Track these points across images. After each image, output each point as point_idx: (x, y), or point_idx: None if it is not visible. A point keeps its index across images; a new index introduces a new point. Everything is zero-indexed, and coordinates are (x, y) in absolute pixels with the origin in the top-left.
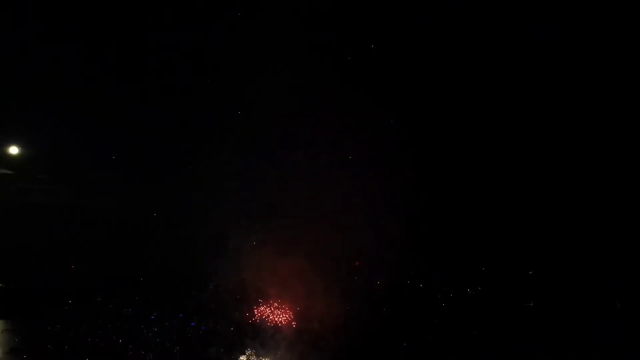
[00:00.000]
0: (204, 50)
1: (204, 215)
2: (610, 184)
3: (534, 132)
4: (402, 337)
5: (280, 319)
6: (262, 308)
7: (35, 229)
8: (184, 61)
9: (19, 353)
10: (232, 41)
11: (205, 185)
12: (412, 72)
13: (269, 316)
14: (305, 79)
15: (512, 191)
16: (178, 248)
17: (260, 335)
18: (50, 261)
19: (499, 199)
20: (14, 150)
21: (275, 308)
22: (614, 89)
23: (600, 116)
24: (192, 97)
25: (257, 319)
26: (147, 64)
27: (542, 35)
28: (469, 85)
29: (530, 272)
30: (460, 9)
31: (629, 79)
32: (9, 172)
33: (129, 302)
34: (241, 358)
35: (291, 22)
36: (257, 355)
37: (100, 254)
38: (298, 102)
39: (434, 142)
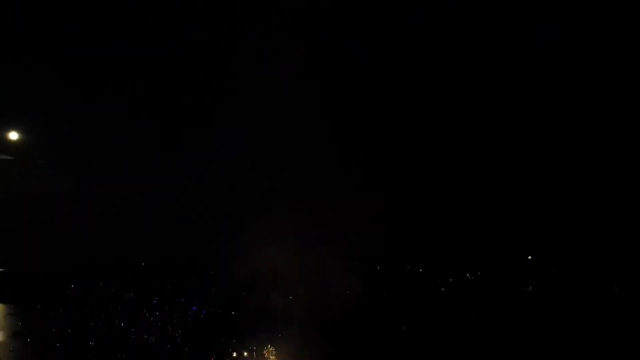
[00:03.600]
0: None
1: (207, 202)
2: (609, 181)
3: (533, 130)
4: (402, 321)
5: (285, 306)
6: (267, 294)
7: (36, 214)
8: (182, 53)
9: (22, 337)
10: (237, 39)
11: (208, 171)
12: (411, 72)
13: (274, 303)
14: (306, 78)
15: (512, 183)
16: (179, 234)
17: (264, 320)
18: (52, 246)
19: (499, 189)
20: (13, 136)
21: (280, 293)
22: (614, 89)
23: (600, 116)
24: (197, 87)
25: (262, 304)
26: (145, 54)
27: (542, 35)
28: (468, 85)
29: (530, 257)
30: (460, 9)
31: (629, 78)
32: (9, 157)
33: (130, 287)
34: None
35: (291, 22)
36: (263, 343)
37: (101, 239)
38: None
39: (437, 136)
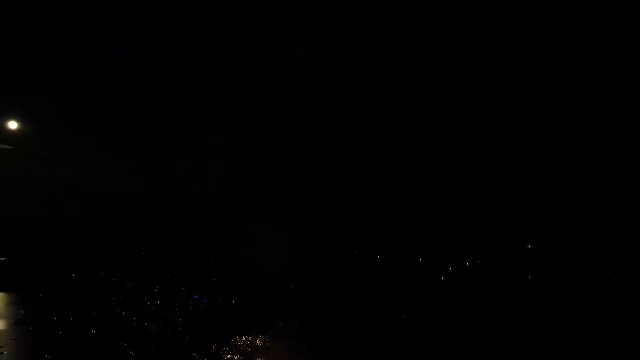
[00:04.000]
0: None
1: (206, 191)
2: (609, 180)
3: (533, 129)
4: (403, 310)
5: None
6: (268, 283)
7: (37, 204)
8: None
9: (24, 325)
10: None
11: (208, 166)
12: (411, 72)
13: (275, 292)
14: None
15: (511, 180)
16: (180, 223)
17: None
18: (53, 236)
19: (498, 186)
20: (13, 125)
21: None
22: (614, 89)
23: (600, 116)
24: (197, 87)
25: (263, 293)
26: (145, 54)
27: (542, 35)
28: (468, 86)
29: (529, 246)
30: (460, 9)
31: (629, 79)
32: (9, 147)
33: (131, 276)
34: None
35: (291, 22)
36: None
37: (102, 229)
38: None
39: (437, 135)
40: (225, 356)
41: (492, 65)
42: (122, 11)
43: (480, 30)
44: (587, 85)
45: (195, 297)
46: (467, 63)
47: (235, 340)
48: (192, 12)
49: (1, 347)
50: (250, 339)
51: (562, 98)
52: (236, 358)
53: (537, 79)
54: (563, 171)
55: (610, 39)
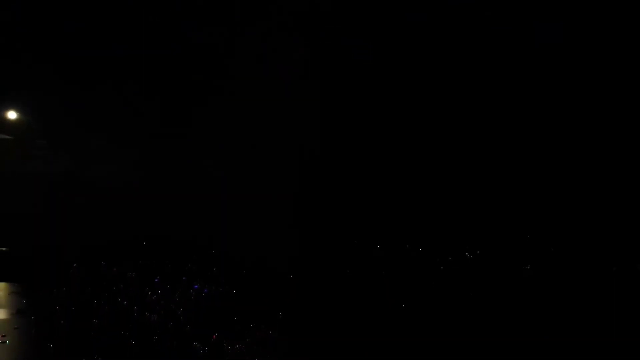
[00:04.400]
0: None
1: (206, 181)
2: (609, 181)
3: (533, 129)
4: (401, 300)
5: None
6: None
7: (38, 194)
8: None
9: (26, 314)
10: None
11: (207, 149)
12: (411, 72)
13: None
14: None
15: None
16: (180, 213)
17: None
18: (54, 226)
19: (498, 187)
20: (12, 115)
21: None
22: (614, 89)
23: (600, 116)
24: (197, 87)
25: (262, 283)
26: (145, 54)
27: (542, 35)
28: (468, 86)
29: (528, 236)
30: (460, 9)
31: (629, 79)
32: (8, 137)
33: (132, 266)
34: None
35: (291, 22)
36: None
37: (103, 219)
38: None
39: (437, 135)
40: (226, 346)
41: (492, 65)
42: (122, 11)
43: (480, 30)
44: (587, 85)
45: (195, 287)
46: (467, 63)
47: (236, 330)
48: (192, 12)
49: (4, 336)
50: (251, 328)
51: (562, 98)
52: (237, 347)
53: (537, 79)
54: (562, 170)
55: (610, 39)
